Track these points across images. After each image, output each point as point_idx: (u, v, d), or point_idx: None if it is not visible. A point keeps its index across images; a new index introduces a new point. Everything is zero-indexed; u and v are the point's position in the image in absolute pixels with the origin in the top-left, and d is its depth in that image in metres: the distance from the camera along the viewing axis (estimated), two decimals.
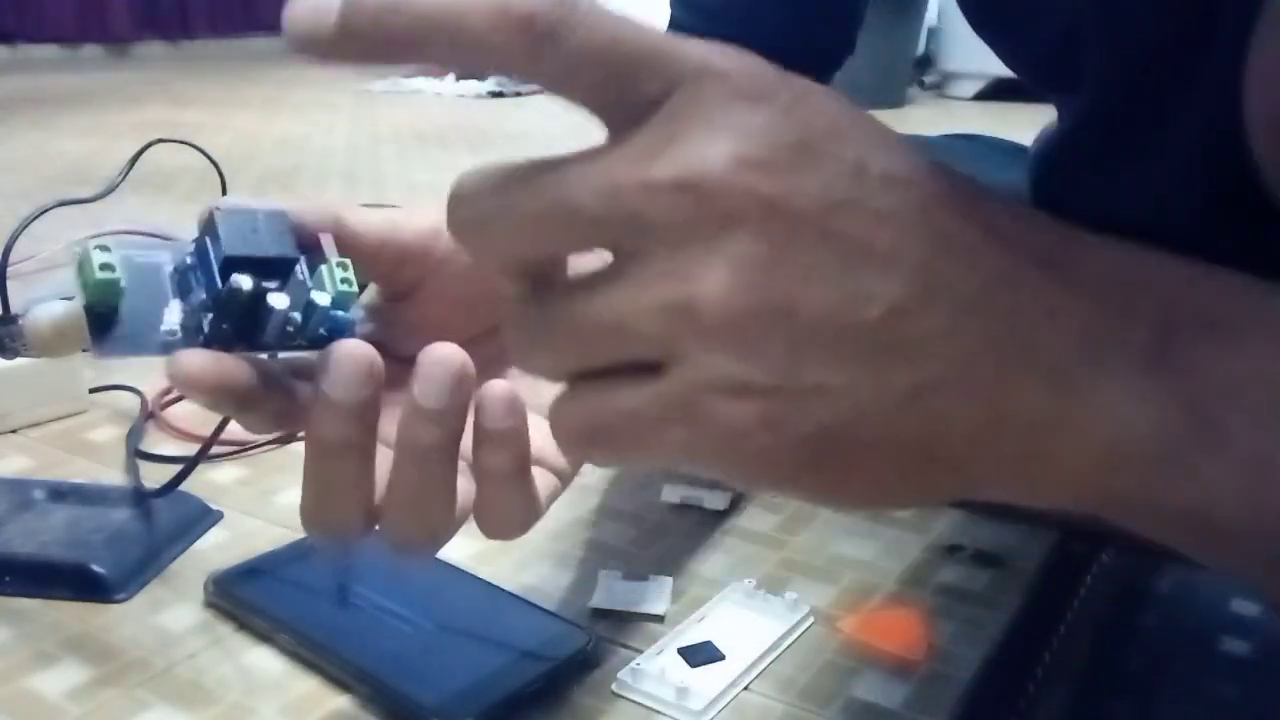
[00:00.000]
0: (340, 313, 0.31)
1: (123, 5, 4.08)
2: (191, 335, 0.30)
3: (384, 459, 0.32)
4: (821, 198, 0.24)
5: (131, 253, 0.30)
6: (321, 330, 0.31)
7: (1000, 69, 0.53)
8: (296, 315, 0.30)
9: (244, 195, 0.30)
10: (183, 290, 0.30)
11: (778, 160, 0.24)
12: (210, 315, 0.29)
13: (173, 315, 0.30)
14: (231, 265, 0.29)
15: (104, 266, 0.28)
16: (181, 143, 0.88)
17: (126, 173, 0.79)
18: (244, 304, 0.29)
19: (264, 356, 0.31)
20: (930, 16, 2.99)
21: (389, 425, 0.32)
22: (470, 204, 0.26)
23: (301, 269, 0.31)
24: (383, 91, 3.09)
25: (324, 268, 0.31)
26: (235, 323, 0.30)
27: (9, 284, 0.66)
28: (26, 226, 0.68)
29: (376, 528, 0.33)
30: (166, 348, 0.29)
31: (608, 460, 0.27)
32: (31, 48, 3.88)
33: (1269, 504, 0.24)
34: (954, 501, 0.60)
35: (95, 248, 0.29)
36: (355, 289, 0.31)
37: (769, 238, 0.23)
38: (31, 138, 2.09)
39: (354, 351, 0.30)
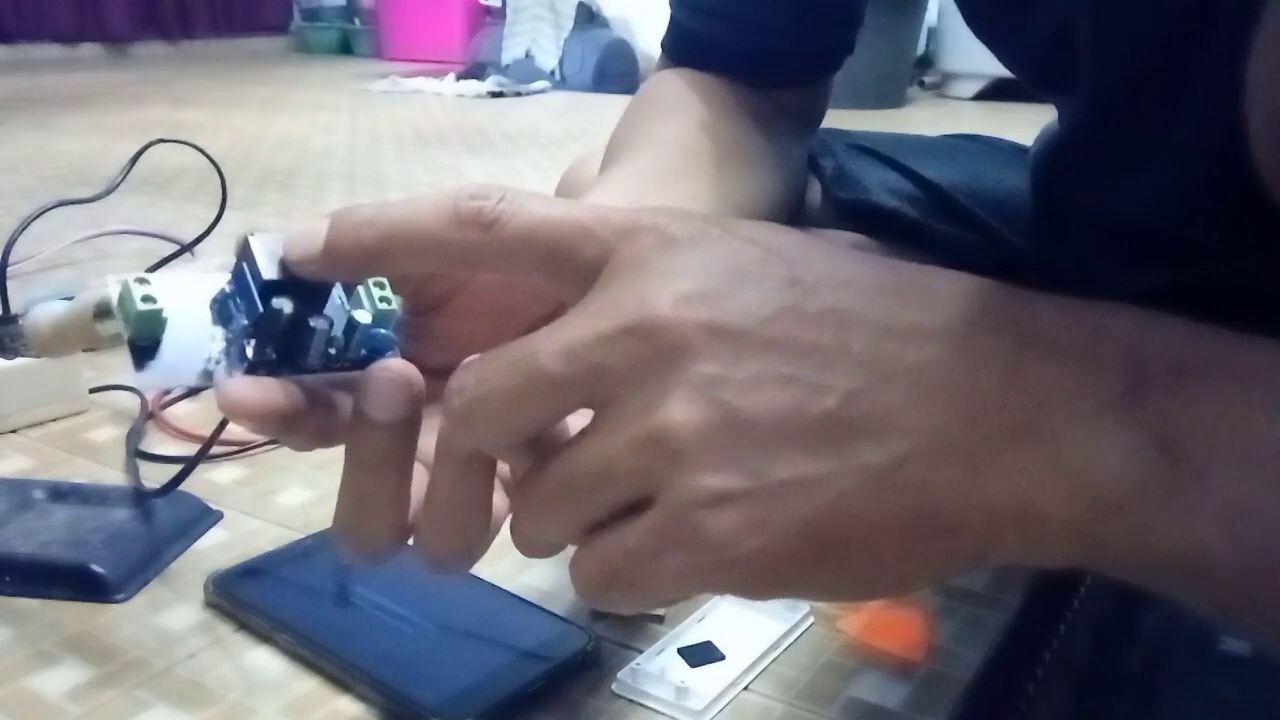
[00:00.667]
0: (381, 331, 0.31)
1: (122, 5, 4.08)
2: (235, 362, 0.30)
3: (419, 476, 0.32)
4: (759, 313, 0.26)
5: (171, 282, 0.30)
6: (363, 350, 0.31)
7: (1000, 69, 0.53)
8: (339, 336, 0.30)
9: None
10: (223, 318, 0.30)
11: (713, 289, 0.26)
12: (253, 341, 0.29)
13: (215, 343, 0.30)
14: (271, 290, 0.29)
15: (146, 299, 0.28)
16: (181, 143, 0.88)
17: (126, 173, 0.79)
18: (286, 327, 0.29)
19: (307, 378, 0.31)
20: (930, 16, 2.99)
21: (423, 442, 0.32)
22: (460, 394, 0.28)
23: (338, 291, 0.31)
24: (383, 92, 3.09)
25: (360, 287, 0.31)
26: (278, 346, 0.30)
27: (9, 284, 0.66)
28: (26, 226, 0.68)
29: (409, 543, 0.33)
30: (209, 376, 0.29)
31: (629, 604, 0.28)
32: (31, 47, 3.88)
33: (1251, 547, 0.24)
34: None
35: (135, 280, 0.29)
36: (394, 307, 0.31)
37: (717, 358, 0.26)
38: (31, 138, 2.09)
39: (394, 371, 0.30)
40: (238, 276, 0.30)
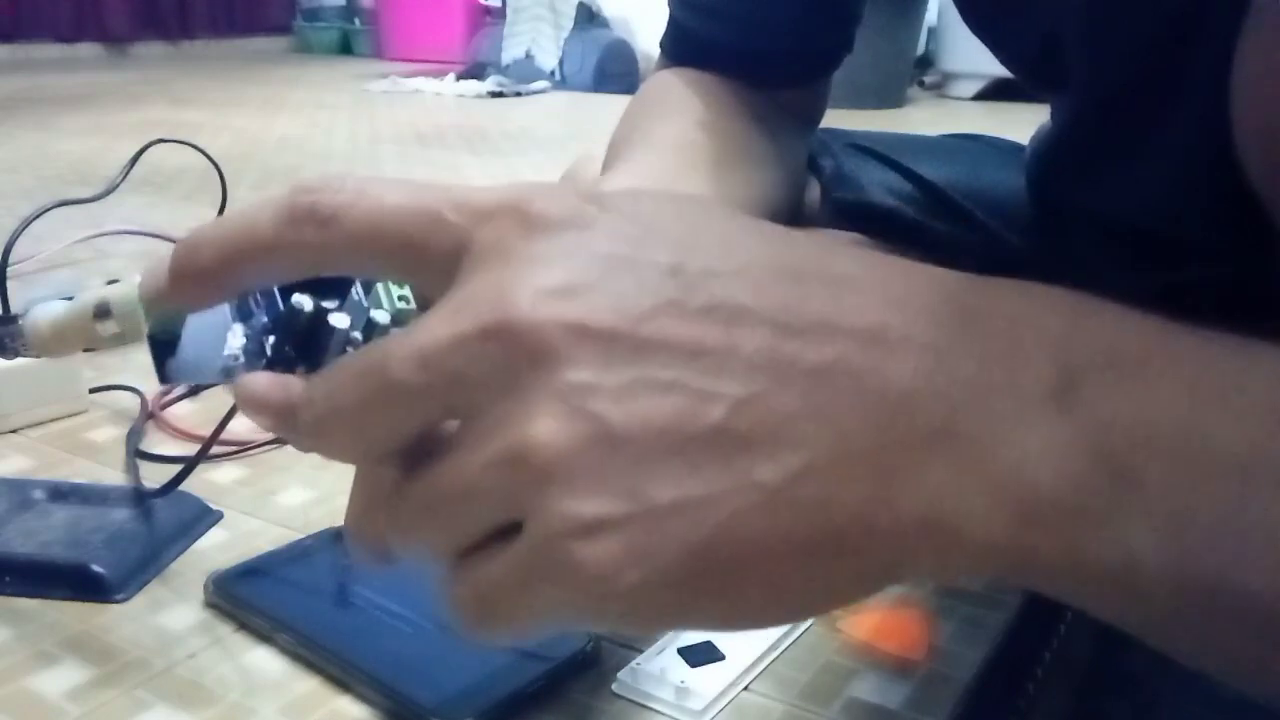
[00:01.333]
0: (399, 329, 0.31)
1: (122, 5, 4.08)
2: (254, 359, 0.30)
3: None
4: (634, 309, 0.23)
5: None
6: None
7: (1000, 69, 0.53)
8: (357, 335, 0.31)
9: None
10: (243, 314, 0.30)
11: (581, 282, 0.23)
12: (273, 337, 0.30)
13: (235, 339, 0.30)
14: (291, 286, 0.29)
15: None
16: (181, 143, 0.88)
17: (126, 173, 0.79)
18: (306, 324, 0.29)
19: None
20: (930, 16, 2.99)
21: None
22: (308, 408, 0.25)
23: (357, 289, 0.31)
24: (383, 92, 3.09)
25: (379, 286, 0.31)
26: (297, 344, 0.30)
27: (9, 284, 0.66)
28: (26, 226, 0.68)
29: None
30: (229, 373, 0.30)
31: (501, 634, 0.25)
32: (31, 47, 3.88)
33: (1187, 560, 0.22)
34: None
35: None
36: (412, 305, 0.31)
37: (584, 364, 0.22)
38: (31, 138, 2.09)
39: None
40: None
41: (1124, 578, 0.23)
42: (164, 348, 0.29)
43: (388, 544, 0.32)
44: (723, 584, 0.23)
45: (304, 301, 0.29)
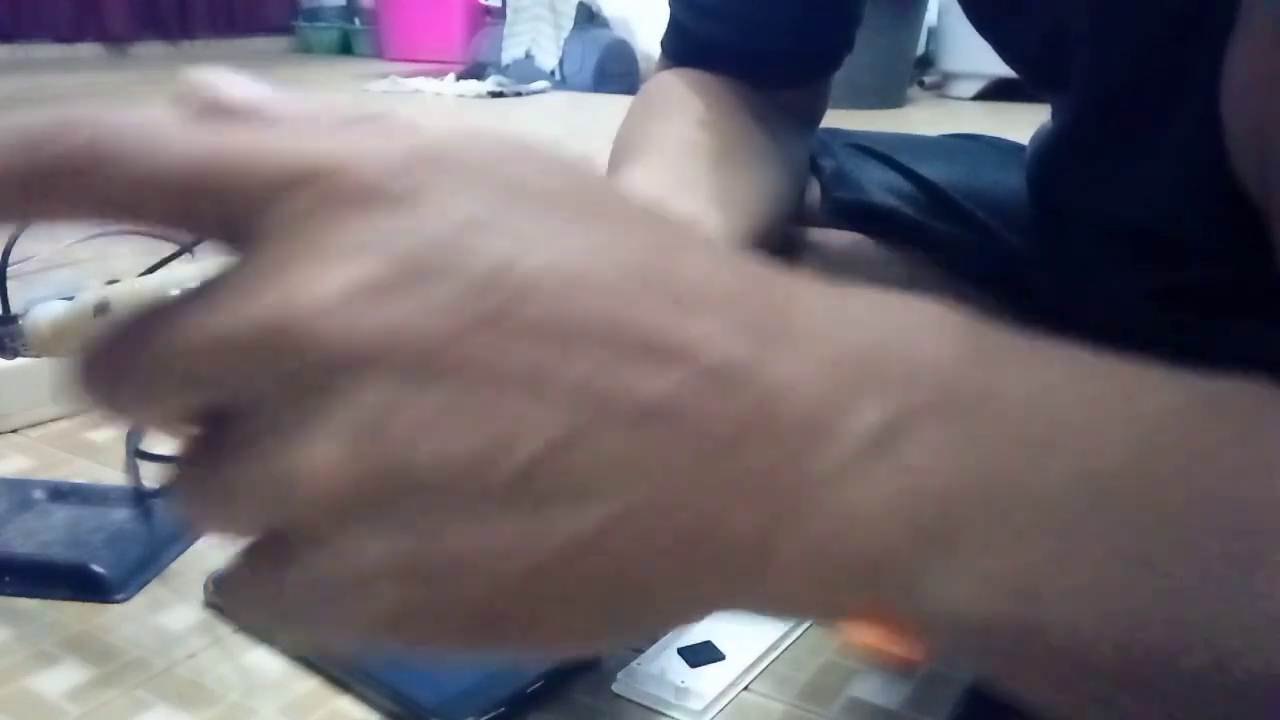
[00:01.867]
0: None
1: (122, 5, 4.08)
2: None
3: None
4: (450, 323, 0.19)
5: (175, 275, 0.30)
6: None
7: (1000, 69, 0.53)
8: None
9: None
10: None
11: (391, 281, 0.19)
12: None
13: None
14: None
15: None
16: None
17: None
18: None
19: None
20: (930, 16, 2.99)
21: None
22: (88, 368, 0.21)
23: None
24: (383, 92, 3.09)
25: None
26: None
27: (9, 284, 0.66)
28: (26, 226, 0.68)
29: None
30: None
31: (304, 643, 0.23)
32: (31, 47, 3.88)
33: (1011, 625, 0.21)
34: None
35: (141, 275, 0.29)
36: None
37: (384, 384, 0.19)
38: None
39: None
40: None
41: (945, 632, 0.22)
42: None
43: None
44: (519, 629, 0.21)
45: None
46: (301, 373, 0.19)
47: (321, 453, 0.19)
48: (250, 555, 0.22)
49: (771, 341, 0.21)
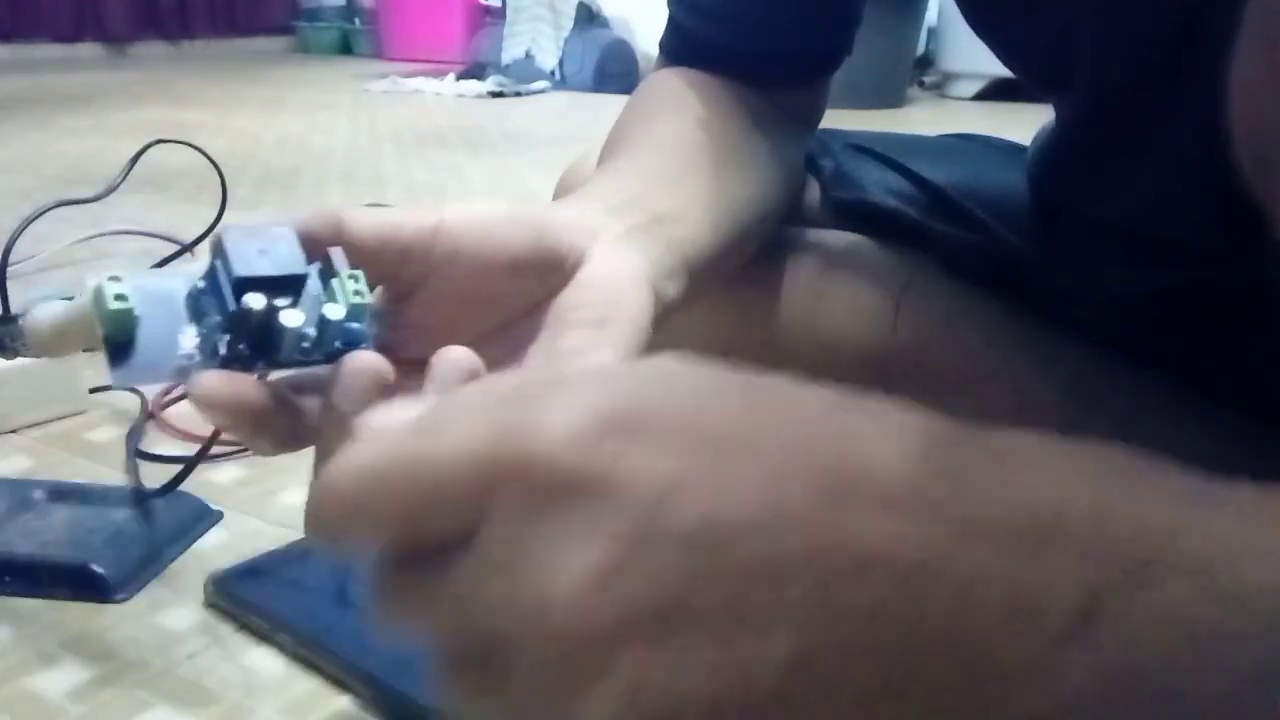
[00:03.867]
0: (354, 325, 0.31)
1: (121, 5, 4.08)
2: (209, 357, 0.30)
3: None
4: (673, 582, 0.21)
5: (145, 281, 0.30)
6: (337, 343, 0.31)
7: (1000, 69, 0.53)
8: (311, 331, 0.31)
9: (249, 216, 0.30)
10: (197, 315, 0.30)
11: (611, 562, 0.21)
12: (226, 336, 0.30)
13: (188, 340, 0.30)
14: (243, 286, 0.29)
15: (118, 297, 0.29)
16: (181, 143, 0.88)
17: (126, 173, 0.79)
18: (257, 324, 0.29)
19: (279, 374, 0.32)
20: (930, 16, 2.99)
21: None
22: (319, 505, 0.24)
23: (315, 284, 0.31)
24: (383, 92, 3.09)
25: (335, 281, 0.31)
26: (251, 342, 0.30)
27: (9, 284, 0.66)
28: (26, 226, 0.68)
29: None
30: (183, 372, 0.30)
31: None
32: (31, 47, 3.88)
33: None
34: None
35: (109, 279, 0.29)
36: (368, 300, 0.31)
37: (633, 651, 0.21)
38: (31, 138, 2.09)
39: (364, 364, 0.30)
40: (211, 273, 0.30)
41: None
42: (119, 349, 0.29)
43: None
44: None
45: (255, 301, 0.29)
46: (559, 661, 0.22)
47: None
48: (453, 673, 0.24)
49: (962, 531, 0.22)
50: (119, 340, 0.29)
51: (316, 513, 0.25)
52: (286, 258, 0.30)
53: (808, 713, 0.22)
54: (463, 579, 0.23)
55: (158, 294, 0.30)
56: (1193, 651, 0.22)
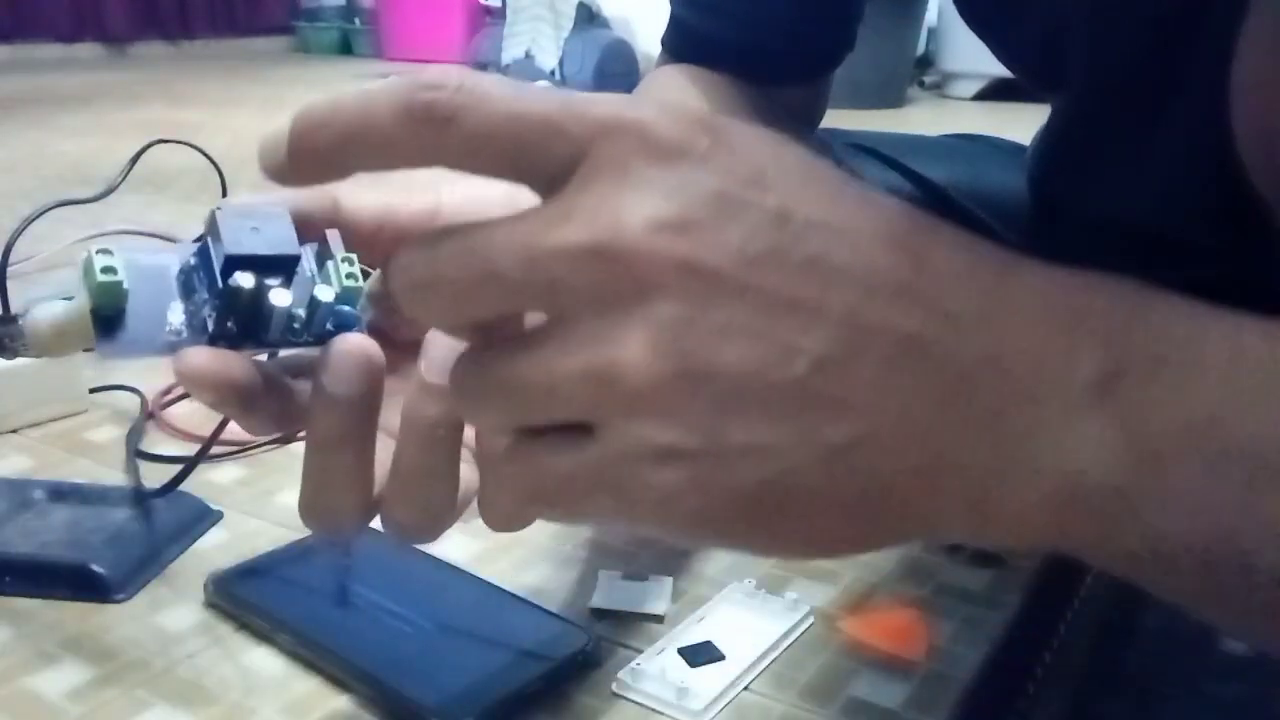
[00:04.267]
0: (346, 308, 0.31)
1: (121, 4, 4.08)
2: (197, 334, 0.30)
3: (386, 449, 0.32)
4: (740, 253, 0.23)
5: (135, 255, 0.30)
6: (328, 325, 0.31)
7: (1000, 69, 0.53)
8: (300, 311, 0.30)
9: (247, 194, 0.30)
10: (187, 291, 0.30)
11: (694, 218, 0.23)
12: (214, 314, 0.30)
13: (176, 315, 0.30)
14: (233, 264, 0.29)
15: (106, 269, 0.28)
16: (181, 143, 0.88)
17: (126, 173, 0.79)
18: (246, 302, 0.29)
19: (268, 354, 0.32)
20: (930, 16, 2.99)
21: (391, 415, 0.32)
22: (406, 271, 0.26)
23: (309, 265, 0.31)
24: None
25: (330, 263, 0.31)
26: (240, 321, 0.30)
27: (9, 284, 0.66)
28: (26, 226, 0.68)
29: (375, 520, 0.33)
30: (171, 347, 0.29)
31: (547, 518, 0.27)
32: (30, 47, 3.88)
33: (1219, 550, 0.24)
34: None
35: (98, 251, 0.29)
36: (361, 283, 0.31)
37: (687, 299, 0.23)
38: (31, 138, 2.09)
39: (353, 346, 0.30)
40: (202, 250, 0.30)
41: (1154, 556, 0.25)
42: (108, 322, 0.29)
43: (343, 521, 0.32)
44: (767, 522, 0.25)
45: (244, 279, 0.29)
46: (621, 285, 0.23)
47: (637, 352, 0.23)
48: (525, 450, 0.26)
49: (1001, 297, 0.25)
50: (107, 313, 0.29)
51: (392, 274, 0.26)
52: (279, 237, 0.30)
53: (816, 417, 0.24)
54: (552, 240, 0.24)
55: (148, 269, 0.30)
56: (1197, 434, 0.24)
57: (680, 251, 0.23)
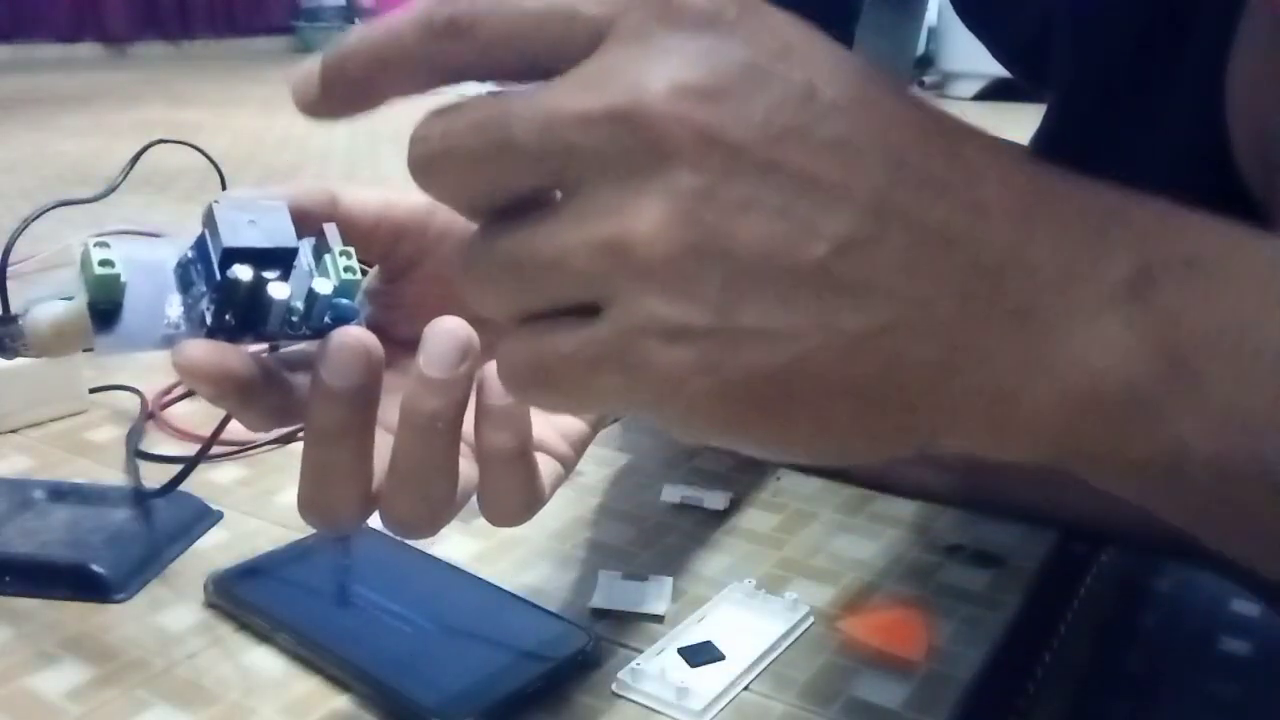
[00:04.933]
0: (344, 301, 0.31)
1: (121, 5, 4.08)
2: (195, 327, 0.30)
3: (385, 444, 0.32)
4: (764, 126, 0.22)
5: (133, 249, 0.30)
6: (326, 319, 0.31)
7: (1000, 69, 0.53)
8: (299, 304, 0.31)
9: (245, 187, 0.30)
10: (184, 284, 0.30)
11: (719, 86, 0.22)
12: (212, 306, 0.30)
13: (174, 309, 0.30)
14: (231, 257, 0.29)
15: (104, 263, 0.28)
16: (181, 143, 0.88)
17: (126, 173, 0.79)
18: (244, 295, 0.29)
19: (267, 347, 0.32)
20: (930, 16, 2.98)
21: (389, 410, 0.32)
22: (423, 143, 0.25)
23: (307, 258, 0.31)
24: None
25: (328, 256, 0.31)
26: (237, 313, 0.30)
27: (9, 284, 0.66)
28: (26, 226, 0.68)
29: (375, 515, 0.33)
30: (169, 340, 0.29)
31: (550, 404, 0.26)
32: (30, 47, 3.88)
33: (1239, 458, 0.24)
34: (958, 500, 0.60)
35: (95, 244, 0.29)
36: (359, 276, 0.31)
37: (707, 170, 0.22)
38: (31, 138, 2.09)
39: (352, 339, 0.30)
40: (200, 243, 0.30)
41: (1170, 466, 0.24)
42: (105, 316, 0.29)
43: (342, 515, 0.32)
44: (778, 411, 0.24)
45: (242, 272, 0.29)
46: (640, 152, 0.22)
47: (652, 222, 0.22)
48: (531, 331, 0.25)
49: (1033, 194, 0.24)
50: (104, 307, 0.29)
51: (410, 146, 0.25)
52: (277, 231, 0.30)
53: (835, 301, 0.23)
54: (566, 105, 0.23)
55: (146, 262, 0.30)
56: (1227, 338, 0.24)
57: (702, 119, 0.22)
